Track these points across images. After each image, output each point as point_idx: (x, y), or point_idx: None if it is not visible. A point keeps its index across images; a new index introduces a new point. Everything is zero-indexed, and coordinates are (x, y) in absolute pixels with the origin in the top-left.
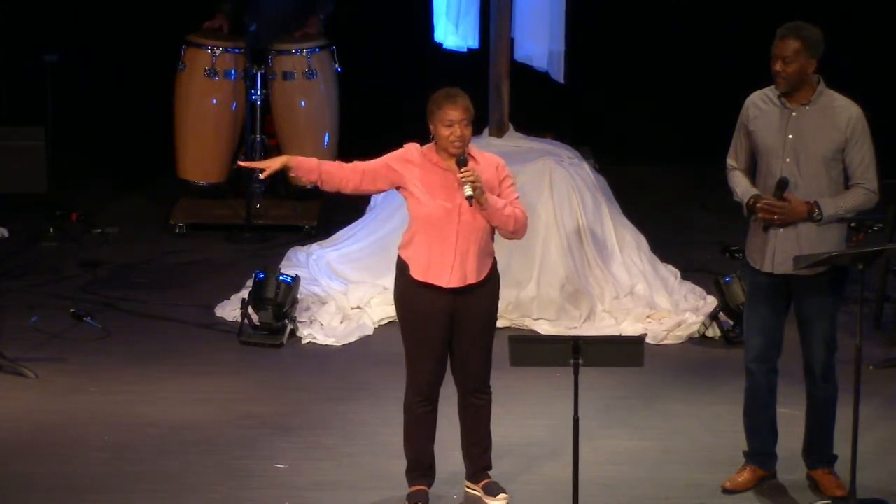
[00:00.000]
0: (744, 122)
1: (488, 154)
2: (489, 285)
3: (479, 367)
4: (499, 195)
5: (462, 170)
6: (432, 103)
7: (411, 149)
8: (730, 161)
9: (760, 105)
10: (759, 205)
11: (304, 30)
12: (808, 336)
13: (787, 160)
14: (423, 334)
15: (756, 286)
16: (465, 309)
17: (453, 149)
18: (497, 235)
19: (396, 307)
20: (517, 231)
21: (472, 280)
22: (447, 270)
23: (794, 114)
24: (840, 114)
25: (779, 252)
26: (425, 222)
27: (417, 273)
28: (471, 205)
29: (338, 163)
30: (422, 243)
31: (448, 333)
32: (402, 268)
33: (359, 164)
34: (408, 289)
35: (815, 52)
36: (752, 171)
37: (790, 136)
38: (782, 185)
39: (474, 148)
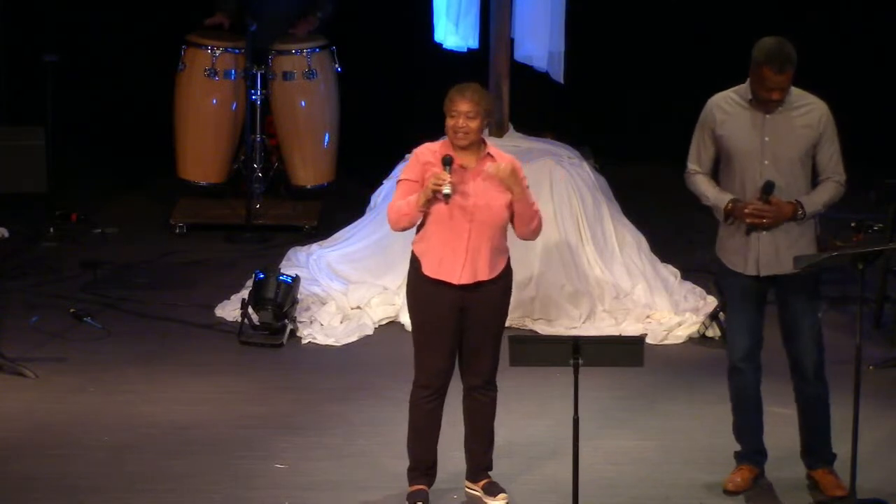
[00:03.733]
0: (709, 125)
1: (506, 155)
2: (501, 281)
3: (487, 362)
4: None
5: (445, 170)
6: (446, 97)
7: (423, 151)
8: (692, 165)
9: (726, 108)
10: (746, 210)
11: (294, 29)
12: (797, 335)
13: (766, 162)
14: (433, 328)
15: (740, 288)
16: (476, 304)
17: (457, 140)
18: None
19: (408, 301)
20: (536, 230)
21: (483, 277)
22: (458, 267)
23: (767, 116)
24: (811, 112)
25: (763, 254)
26: (439, 219)
27: (429, 269)
28: (446, 203)
29: (398, 205)
30: (435, 240)
31: (458, 328)
32: (414, 262)
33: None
34: (419, 283)
35: None
36: (714, 175)
37: (766, 138)
38: (769, 188)
39: (493, 147)
